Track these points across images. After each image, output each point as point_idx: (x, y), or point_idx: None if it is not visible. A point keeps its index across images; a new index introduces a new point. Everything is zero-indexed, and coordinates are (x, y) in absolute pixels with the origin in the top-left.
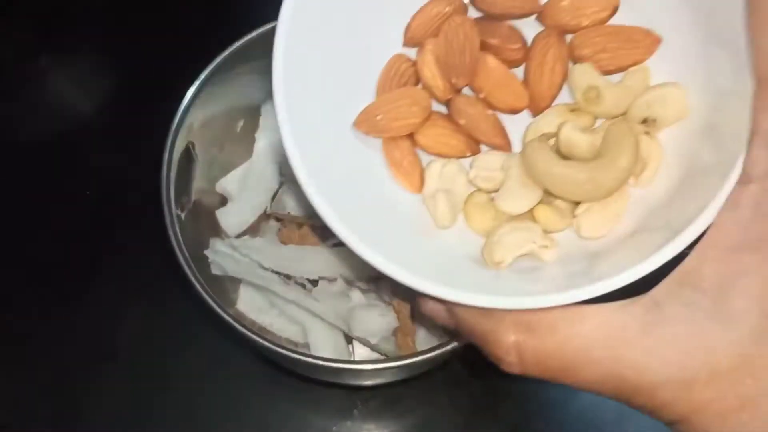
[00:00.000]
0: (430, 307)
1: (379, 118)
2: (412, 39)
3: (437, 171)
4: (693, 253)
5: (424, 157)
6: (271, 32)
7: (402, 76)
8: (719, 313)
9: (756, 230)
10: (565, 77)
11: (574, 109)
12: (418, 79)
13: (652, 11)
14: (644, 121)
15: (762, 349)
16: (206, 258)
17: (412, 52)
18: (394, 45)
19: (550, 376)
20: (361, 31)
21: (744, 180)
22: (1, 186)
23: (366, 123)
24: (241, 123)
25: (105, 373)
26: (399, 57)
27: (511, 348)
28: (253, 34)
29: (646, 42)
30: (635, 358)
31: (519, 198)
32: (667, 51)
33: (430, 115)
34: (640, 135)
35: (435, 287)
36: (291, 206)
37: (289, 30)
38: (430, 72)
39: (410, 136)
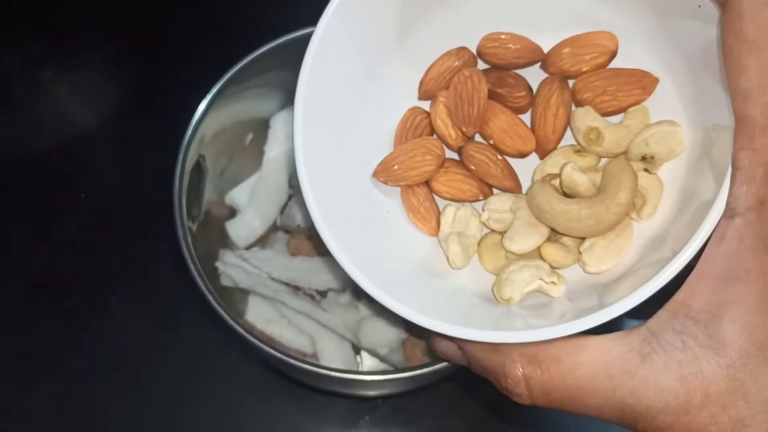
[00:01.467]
0: (442, 346)
1: (396, 168)
2: (426, 93)
3: (451, 215)
4: (684, 285)
5: (440, 202)
6: (281, 47)
7: (417, 127)
8: (710, 340)
9: (740, 262)
10: (568, 121)
11: (578, 150)
12: (432, 130)
13: (647, 55)
14: (643, 158)
15: (751, 372)
16: (215, 269)
17: (425, 104)
18: (409, 98)
19: (557, 405)
20: (378, 87)
21: (729, 214)
22: (6, 198)
23: (384, 173)
24: (250, 136)
25: (111, 383)
26: (414, 110)
27: (520, 381)
28: (263, 48)
29: (644, 83)
30: (634, 386)
31: (526, 237)
32: (664, 90)
33: (443, 162)
34: (639, 171)
35: (445, 326)
36: (300, 218)
37: (308, 85)
38: (443, 122)
39: (426, 183)
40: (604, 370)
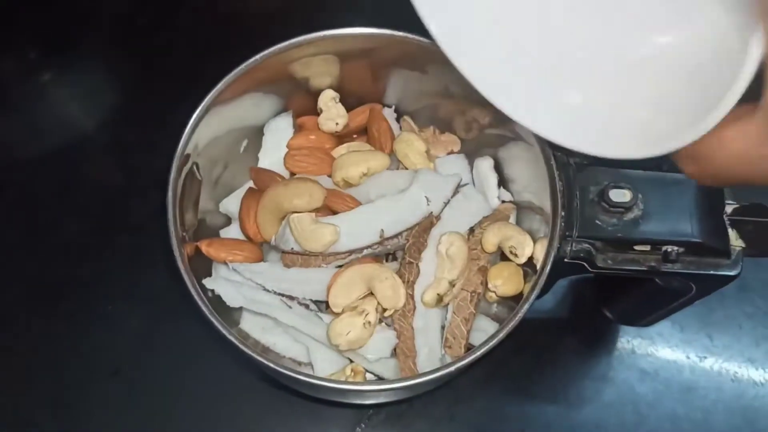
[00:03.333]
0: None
1: None
2: None
3: None
4: None
5: None
6: (276, 54)
7: None
8: None
9: None
10: None
11: None
12: None
13: None
14: None
15: None
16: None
17: None
18: None
19: (719, 184)
20: None
21: None
22: (1, 201)
23: None
24: (245, 143)
25: (107, 390)
26: None
27: (695, 175)
28: (258, 55)
29: None
30: (762, 166)
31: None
32: None
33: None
34: None
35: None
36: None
37: None
38: None
39: None
40: (739, 158)
